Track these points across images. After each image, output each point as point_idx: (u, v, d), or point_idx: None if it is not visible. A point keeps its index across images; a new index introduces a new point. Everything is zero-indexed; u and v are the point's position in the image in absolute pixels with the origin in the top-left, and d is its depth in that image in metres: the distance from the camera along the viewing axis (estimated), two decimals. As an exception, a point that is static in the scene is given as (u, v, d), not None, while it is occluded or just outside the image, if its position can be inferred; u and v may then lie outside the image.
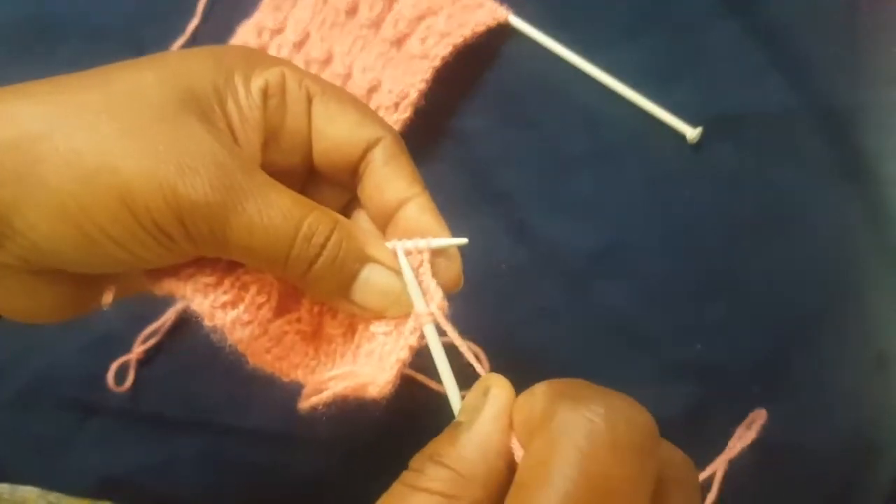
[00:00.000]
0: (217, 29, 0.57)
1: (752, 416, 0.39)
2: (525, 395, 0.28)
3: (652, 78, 0.53)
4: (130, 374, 0.51)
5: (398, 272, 0.33)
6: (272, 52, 0.55)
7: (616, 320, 0.51)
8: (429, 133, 0.54)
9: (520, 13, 0.55)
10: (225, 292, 0.32)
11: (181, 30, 0.57)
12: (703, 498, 0.47)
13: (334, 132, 0.35)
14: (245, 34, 0.56)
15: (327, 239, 0.32)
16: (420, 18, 0.54)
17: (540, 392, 0.27)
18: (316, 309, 0.35)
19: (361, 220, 0.37)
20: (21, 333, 0.51)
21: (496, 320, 0.51)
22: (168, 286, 0.33)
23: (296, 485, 0.50)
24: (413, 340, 0.33)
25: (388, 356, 0.33)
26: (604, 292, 0.51)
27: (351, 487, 0.48)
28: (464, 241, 0.35)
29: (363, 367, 0.33)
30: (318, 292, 0.33)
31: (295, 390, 0.48)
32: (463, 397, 0.31)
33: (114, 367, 0.51)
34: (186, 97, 0.31)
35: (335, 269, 0.32)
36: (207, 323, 0.32)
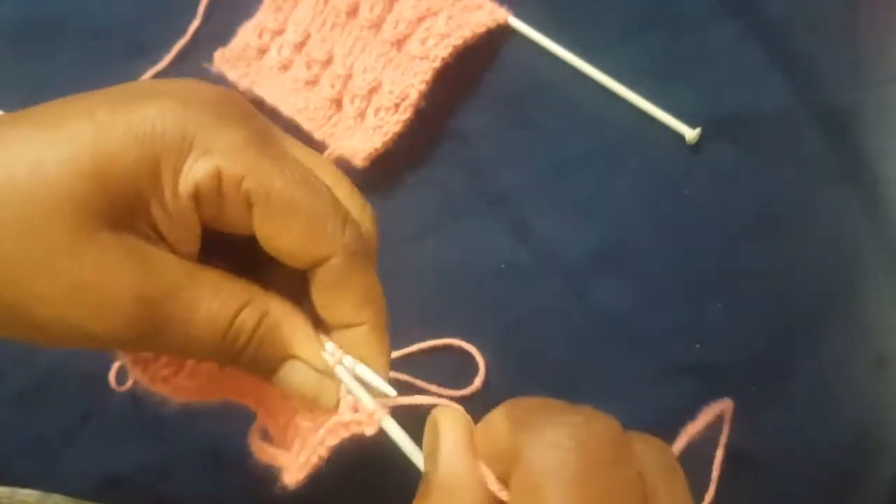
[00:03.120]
0: (218, 29, 0.57)
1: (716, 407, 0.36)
2: (483, 425, 0.27)
3: (651, 78, 0.53)
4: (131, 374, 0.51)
5: (323, 373, 0.31)
6: (273, 53, 0.55)
7: (615, 320, 0.51)
8: (429, 133, 0.54)
9: (520, 14, 0.55)
10: (165, 366, 0.33)
11: (182, 30, 0.57)
12: (702, 499, 0.47)
13: (277, 247, 0.30)
14: (246, 35, 0.56)
15: (251, 337, 0.30)
16: (420, 19, 0.54)
17: (497, 421, 0.26)
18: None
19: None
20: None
21: (496, 320, 0.51)
22: (134, 374, 0.33)
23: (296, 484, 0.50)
24: (331, 441, 0.31)
25: (306, 449, 0.32)
26: (603, 292, 0.51)
27: (352, 487, 0.48)
28: (392, 392, 0.30)
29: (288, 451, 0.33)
30: (248, 373, 0.32)
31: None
32: None
33: (115, 366, 0.51)
34: (101, 203, 0.27)
35: (257, 363, 0.31)
36: (149, 390, 0.33)
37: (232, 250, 0.32)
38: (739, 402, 0.49)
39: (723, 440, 0.38)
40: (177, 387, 0.33)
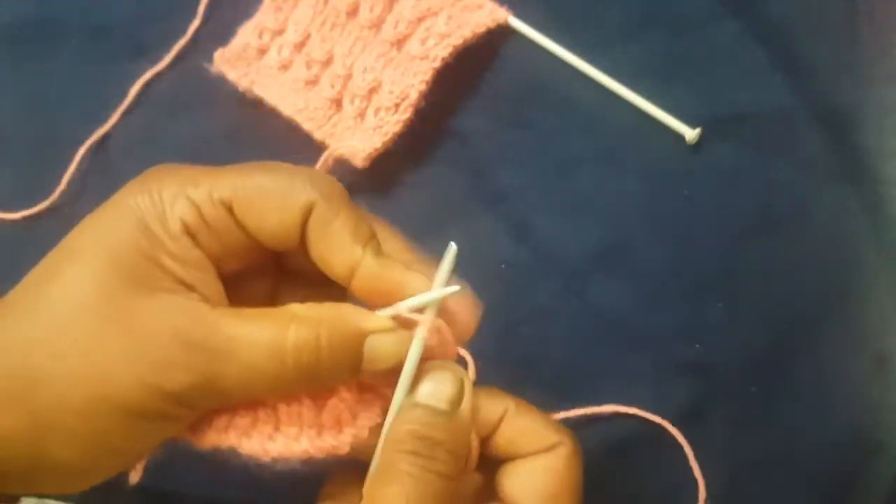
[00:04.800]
0: (218, 30, 0.57)
1: None
2: (487, 398, 0.35)
3: (651, 78, 0.53)
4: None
5: (396, 327, 0.32)
6: (273, 53, 0.55)
7: (615, 320, 0.51)
8: (429, 133, 0.54)
9: (520, 14, 0.55)
10: (264, 422, 0.33)
11: (182, 30, 0.57)
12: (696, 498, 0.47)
13: (265, 229, 0.32)
14: (246, 35, 0.56)
15: (317, 348, 0.31)
16: (420, 19, 0.54)
17: (532, 413, 0.35)
18: None
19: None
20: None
21: (496, 320, 0.51)
22: (210, 440, 0.33)
23: (297, 484, 0.50)
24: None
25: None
26: (603, 292, 0.51)
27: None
28: (456, 289, 0.33)
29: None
30: (336, 384, 0.33)
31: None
32: None
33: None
34: (124, 275, 0.30)
35: (337, 365, 0.32)
36: (270, 461, 0.34)
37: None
38: (739, 402, 0.50)
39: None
40: (287, 439, 0.33)
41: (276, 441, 0.33)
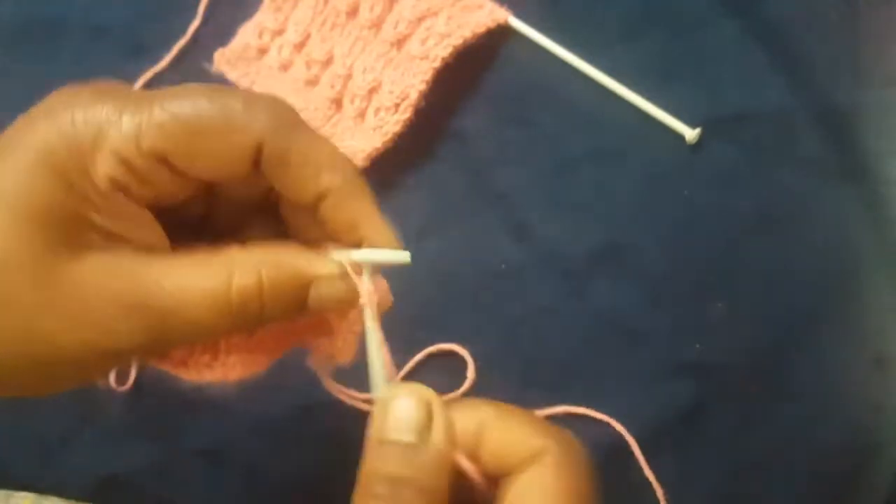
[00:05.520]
0: (218, 30, 0.57)
1: None
2: (462, 410, 0.30)
3: (651, 78, 0.53)
4: (132, 373, 0.51)
5: (343, 273, 0.32)
6: (273, 53, 0.55)
7: (615, 320, 0.51)
8: (429, 133, 0.54)
9: (520, 14, 0.55)
10: (201, 353, 0.34)
11: (182, 30, 0.57)
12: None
13: (206, 171, 0.30)
14: (246, 35, 0.56)
15: (260, 294, 0.30)
16: (420, 19, 0.54)
17: (510, 420, 0.30)
18: None
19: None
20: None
21: (495, 320, 0.51)
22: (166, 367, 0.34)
23: (297, 485, 0.50)
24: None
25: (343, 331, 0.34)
26: (603, 292, 0.51)
27: (353, 487, 0.48)
28: (405, 257, 0.32)
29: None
30: (282, 321, 0.33)
31: (297, 390, 0.48)
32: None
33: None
34: (48, 235, 0.28)
35: (282, 309, 0.31)
36: (204, 385, 0.34)
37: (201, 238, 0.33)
38: (739, 402, 0.50)
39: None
40: (225, 367, 0.34)
41: (213, 369, 0.34)
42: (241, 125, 0.30)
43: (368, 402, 0.33)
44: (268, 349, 0.35)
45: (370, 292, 0.32)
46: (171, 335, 0.30)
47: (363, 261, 0.32)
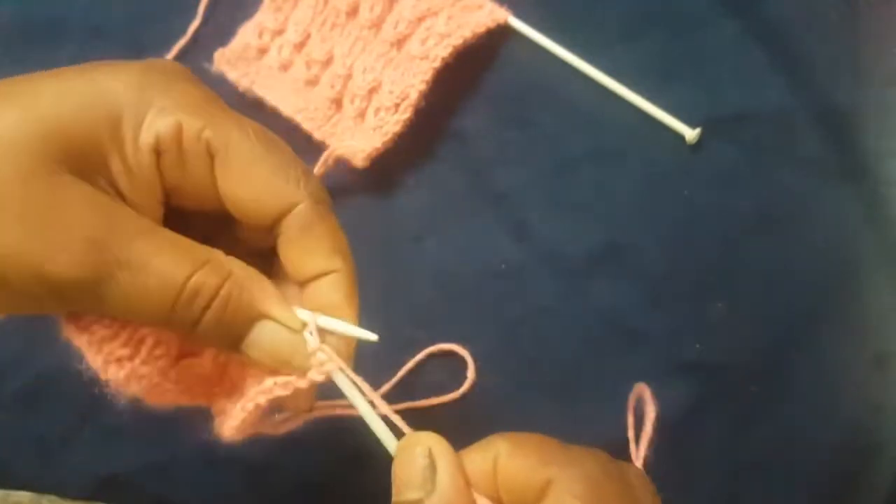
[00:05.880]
0: (218, 30, 0.57)
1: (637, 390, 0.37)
2: (482, 456, 0.30)
3: (651, 78, 0.53)
4: (131, 374, 0.51)
5: (295, 331, 0.31)
6: (273, 53, 0.55)
7: (615, 320, 0.51)
8: (429, 133, 0.54)
9: (520, 14, 0.55)
10: (122, 345, 0.31)
11: (182, 30, 0.57)
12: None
13: (240, 196, 0.31)
14: (246, 35, 0.56)
15: (212, 298, 0.29)
16: (420, 19, 0.54)
17: (515, 455, 0.29)
18: (221, 355, 0.34)
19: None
20: (22, 333, 0.51)
21: (495, 320, 0.51)
22: (67, 332, 0.32)
23: (297, 485, 0.50)
24: (280, 391, 0.31)
25: (245, 398, 0.32)
26: (603, 292, 0.51)
27: (353, 487, 0.48)
28: (374, 337, 0.31)
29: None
30: (210, 345, 0.32)
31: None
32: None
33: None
34: (59, 152, 0.28)
35: (222, 327, 0.30)
36: (102, 377, 0.31)
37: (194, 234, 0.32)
38: (739, 402, 0.50)
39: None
40: (133, 373, 0.31)
41: (122, 368, 0.31)
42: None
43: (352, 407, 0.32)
44: (182, 386, 0.33)
45: (337, 357, 0.31)
46: (113, 291, 0.28)
47: (329, 328, 0.31)
